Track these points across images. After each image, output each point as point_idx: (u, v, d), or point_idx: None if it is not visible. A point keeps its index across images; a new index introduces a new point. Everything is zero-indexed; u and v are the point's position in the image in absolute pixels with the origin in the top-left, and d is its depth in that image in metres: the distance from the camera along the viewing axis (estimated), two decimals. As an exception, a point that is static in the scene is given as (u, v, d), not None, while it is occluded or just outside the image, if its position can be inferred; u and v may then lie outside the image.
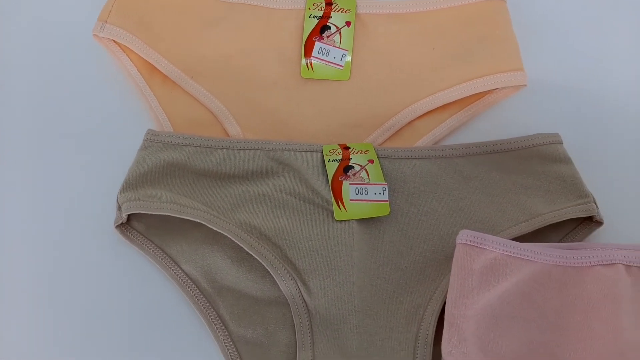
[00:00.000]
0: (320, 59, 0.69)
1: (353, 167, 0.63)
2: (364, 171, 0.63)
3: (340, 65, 0.69)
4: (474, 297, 0.54)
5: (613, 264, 0.55)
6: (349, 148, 0.65)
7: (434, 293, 0.58)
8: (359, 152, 0.65)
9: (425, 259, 0.59)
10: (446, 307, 0.54)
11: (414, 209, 0.62)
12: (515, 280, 0.54)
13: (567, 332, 0.53)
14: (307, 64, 0.69)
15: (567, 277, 0.55)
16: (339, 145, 0.65)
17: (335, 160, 0.64)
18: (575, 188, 0.62)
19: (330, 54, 0.69)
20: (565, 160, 0.64)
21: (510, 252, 0.55)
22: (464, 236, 0.57)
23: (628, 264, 0.55)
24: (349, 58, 0.69)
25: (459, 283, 0.55)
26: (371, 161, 0.64)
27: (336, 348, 0.55)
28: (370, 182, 0.62)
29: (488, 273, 0.55)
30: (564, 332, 0.53)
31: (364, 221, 0.61)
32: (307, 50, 0.69)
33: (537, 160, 0.64)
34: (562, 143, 0.66)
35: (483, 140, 0.66)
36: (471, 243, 0.56)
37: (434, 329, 0.56)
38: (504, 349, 0.53)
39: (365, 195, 0.62)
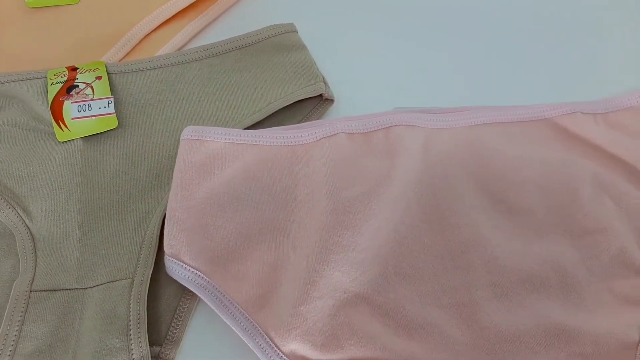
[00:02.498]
0: (43, -15, 0.65)
1: (77, 86, 0.60)
2: (89, 88, 0.60)
3: (65, -12, 0.65)
4: (194, 188, 0.53)
5: (335, 134, 0.55)
6: (77, 69, 0.61)
7: (165, 196, 0.56)
8: (87, 71, 0.61)
9: (160, 166, 0.57)
10: (168, 203, 0.53)
11: (150, 119, 0.60)
12: (241, 165, 0.54)
13: (295, 204, 0.53)
14: (32, -5, 0.65)
15: (296, 156, 0.55)
16: (66, 67, 0.61)
17: (60, 82, 0.60)
18: (306, 72, 0.62)
19: (53, -21, 0.65)
20: (299, 47, 0.64)
21: (232, 139, 0.55)
22: (188, 132, 0.55)
23: (350, 132, 0.56)
24: (72, -19, 0.65)
25: (179, 177, 0.53)
26: (99, 78, 0.60)
27: (58, 266, 0.53)
28: (94, 98, 0.59)
29: (210, 163, 0.53)
30: (292, 206, 0.53)
31: (93, 138, 0.58)
32: (27, -22, 0.65)
33: (273, 51, 0.64)
34: (296, 32, 0.65)
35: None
36: (194, 137, 0.55)
37: (159, 228, 0.55)
38: (231, 233, 0.52)
39: (90, 111, 0.59)
